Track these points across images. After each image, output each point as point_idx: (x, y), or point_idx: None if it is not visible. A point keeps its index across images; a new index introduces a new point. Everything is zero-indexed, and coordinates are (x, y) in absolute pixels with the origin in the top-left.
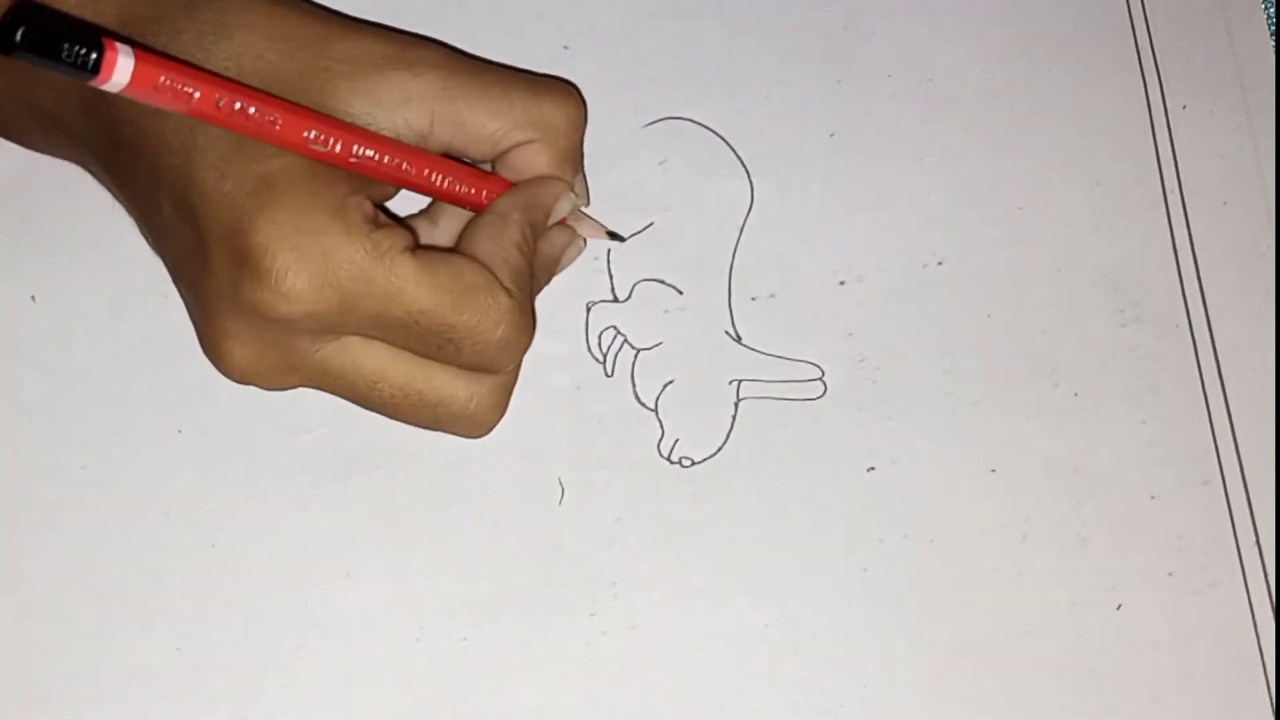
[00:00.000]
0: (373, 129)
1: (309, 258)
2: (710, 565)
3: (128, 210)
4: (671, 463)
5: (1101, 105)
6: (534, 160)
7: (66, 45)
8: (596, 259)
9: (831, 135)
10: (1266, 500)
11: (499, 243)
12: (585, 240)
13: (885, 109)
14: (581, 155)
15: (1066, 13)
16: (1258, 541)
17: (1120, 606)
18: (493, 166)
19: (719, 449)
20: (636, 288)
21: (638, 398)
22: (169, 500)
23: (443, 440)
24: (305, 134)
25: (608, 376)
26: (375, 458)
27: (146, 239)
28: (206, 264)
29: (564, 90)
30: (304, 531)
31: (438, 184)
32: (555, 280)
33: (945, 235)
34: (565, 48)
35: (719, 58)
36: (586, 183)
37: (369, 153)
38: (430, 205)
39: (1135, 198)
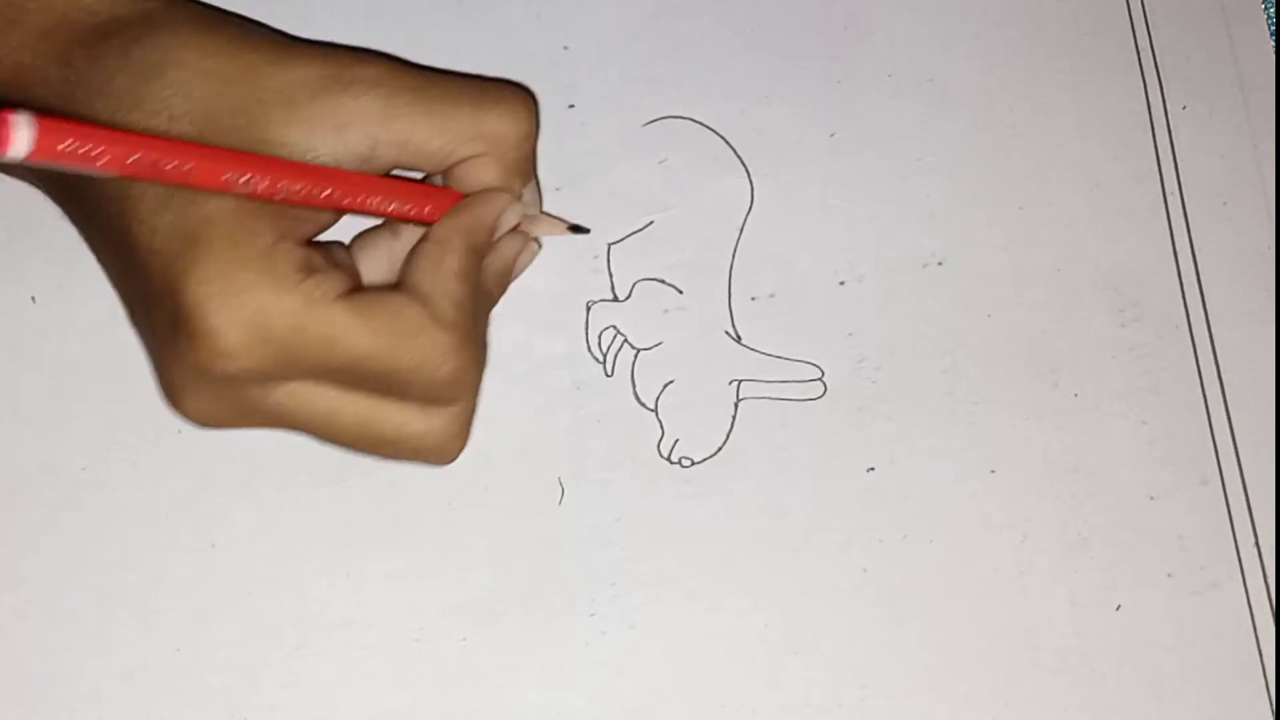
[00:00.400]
0: (311, 158)
1: (239, 315)
2: (710, 565)
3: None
4: (671, 463)
5: (1101, 105)
6: (481, 174)
7: None
8: (596, 258)
9: (831, 135)
10: (1266, 500)
11: (438, 274)
12: (539, 242)
13: (885, 109)
14: (534, 163)
15: (1066, 13)
16: (1257, 542)
17: (1120, 607)
18: (444, 178)
19: (719, 449)
20: (636, 287)
21: (638, 397)
22: (168, 500)
23: None
24: (224, 177)
25: (608, 376)
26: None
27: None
28: (150, 320)
29: (512, 99)
30: (304, 531)
31: (381, 209)
32: (555, 280)
33: (945, 235)
34: (565, 48)
35: (719, 58)
36: (540, 188)
37: (296, 188)
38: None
39: (1135, 198)
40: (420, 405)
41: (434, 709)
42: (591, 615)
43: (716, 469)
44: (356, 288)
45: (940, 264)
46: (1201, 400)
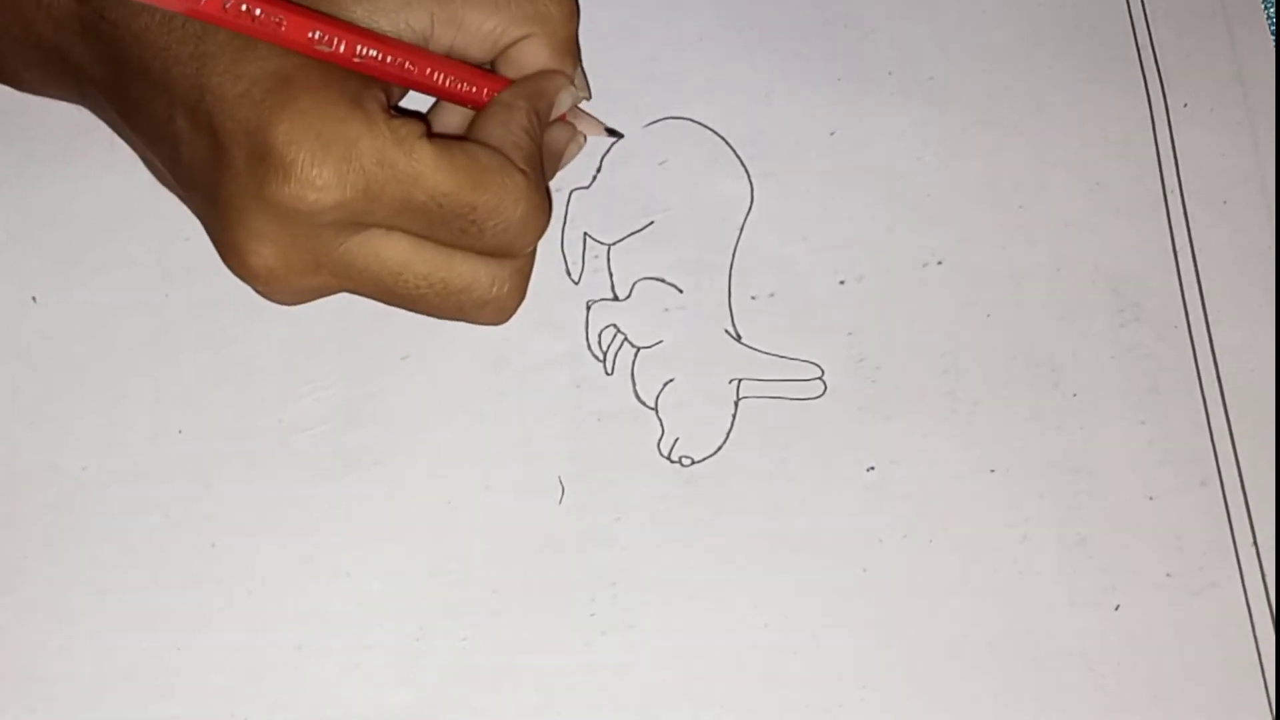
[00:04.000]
0: (375, 29)
1: (333, 147)
2: (710, 565)
3: (132, 138)
4: (671, 462)
5: (1101, 105)
6: (534, 54)
7: None
8: (597, 257)
9: (831, 135)
10: (1265, 501)
11: (508, 128)
12: (585, 137)
13: (885, 109)
14: (579, 47)
15: (1066, 13)
16: (1256, 542)
17: (1119, 607)
18: (493, 66)
19: (719, 448)
20: (636, 286)
21: (638, 396)
22: (169, 500)
23: (443, 440)
24: (310, 35)
25: (608, 375)
26: (374, 456)
27: (155, 166)
28: (227, 166)
29: None
30: (304, 531)
31: (441, 83)
32: (554, 279)
33: (945, 235)
34: None
35: (719, 58)
36: (586, 76)
37: (372, 53)
38: (433, 107)
39: (1135, 197)
40: (488, 256)
41: (434, 708)
42: (591, 615)
43: (716, 468)
44: (434, 134)
45: (940, 263)
46: (1201, 400)
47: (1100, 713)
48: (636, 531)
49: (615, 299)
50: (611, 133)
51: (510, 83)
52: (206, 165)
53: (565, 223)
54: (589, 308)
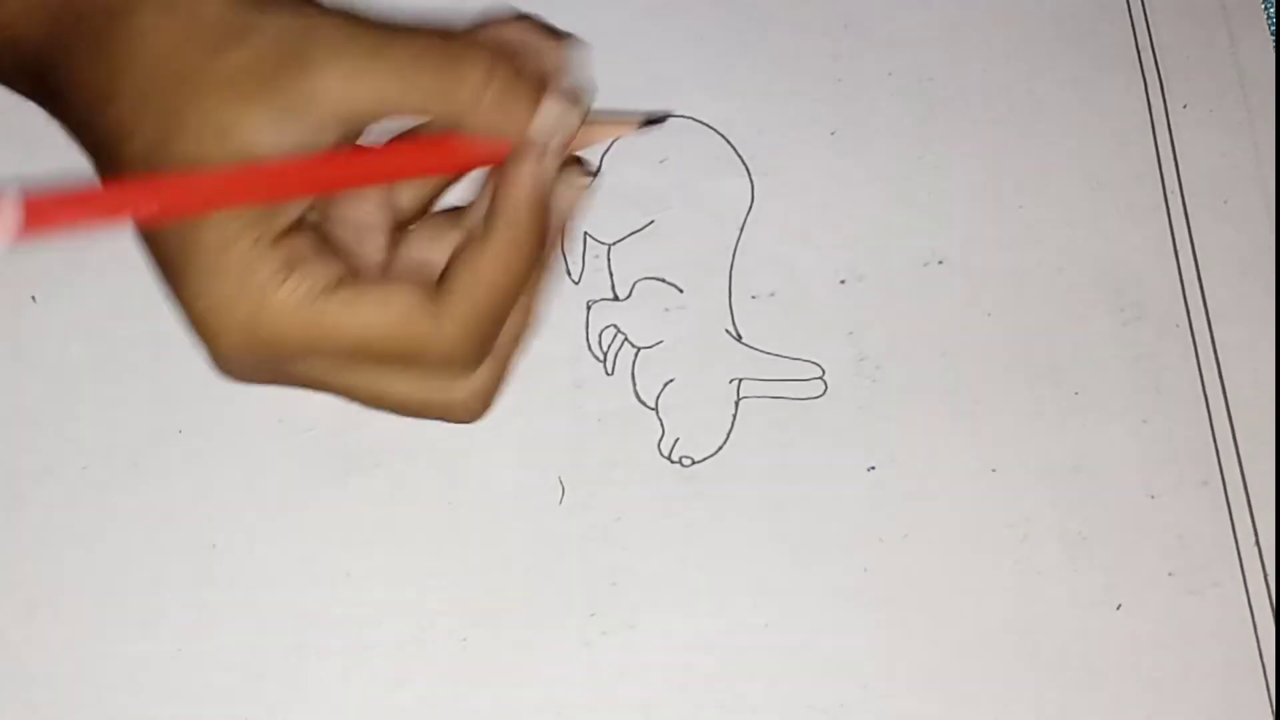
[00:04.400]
0: (282, 145)
1: (229, 324)
2: (710, 564)
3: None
4: (672, 462)
5: (1101, 105)
6: (480, 125)
7: None
8: (597, 257)
9: (831, 134)
10: (1266, 500)
11: (466, 269)
12: (589, 178)
13: (885, 109)
14: (528, 88)
15: (1066, 13)
16: (1257, 541)
17: (1120, 606)
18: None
19: (719, 448)
20: (637, 286)
21: (638, 396)
22: (169, 501)
23: (443, 440)
24: (208, 207)
25: (608, 375)
26: (375, 457)
27: None
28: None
29: (465, 46)
30: (304, 531)
31: (376, 182)
32: (554, 279)
33: (945, 234)
34: None
35: (719, 58)
36: (573, 89)
37: (279, 194)
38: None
39: (1136, 197)
40: (436, 377)
41: (434, 708)
42: (591, 615)
43: (717, 468)
44: (347, 272)
45: (941, 263)
46: (1202, 399)
47: (1101, 712)
48: (637, 531)
49: (615, 299)
50: (649, 123)
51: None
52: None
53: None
54: (589, 308)
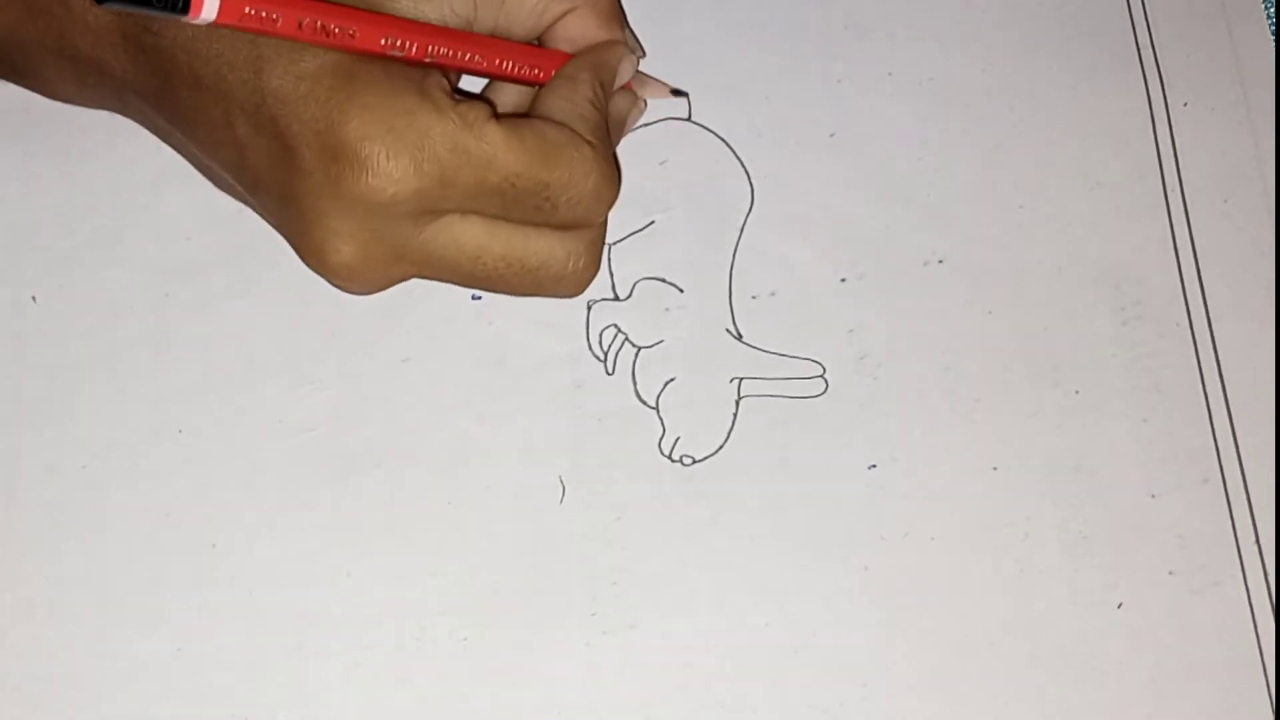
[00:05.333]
0: (422, 20)
1: (405, 138)
2: (711, 564)
3: (185, 145)
4: (672, 461)
5: (1101, 104)
6: (581, 27)
7: None
8: None
9: (831, 135)
10: (1267, 499)
11: (573, 102)
12: (646, 102)
13: (885, 109)
14: (623, 10)
15: (1066, 13)
16: (1258, 540)
17: (1121, 605)
18: (541, 42)
19: (720, 447)
20: (637, 286)
21: (639, 396)
22: (169, 500)
23: (443, 440)
24: (382, 41)
25: (609, 375)
26: (375, 458)
27: (213, 172)
28: (298, 168)
29: None
30: (304, 531)
31: (503, 68)
32: None
33: (945, 234)
34: None
35: (719, 58)
36: (637, 38)
37: (443, 50)
38: (488, 86)
39: (1136, 196)
40: (562, 230)
41: (435, 708)
42: (592, 615)
43: (717, 467)
44: (500, 115)
45: (941, 262)
46: (1202, 398)
47: (1102, 711)
48: (637, 531)
49: (616, 299)
50: (677, 93)
51: (568, 57)
52: (275, 168)
53: None
54: (589, 308)
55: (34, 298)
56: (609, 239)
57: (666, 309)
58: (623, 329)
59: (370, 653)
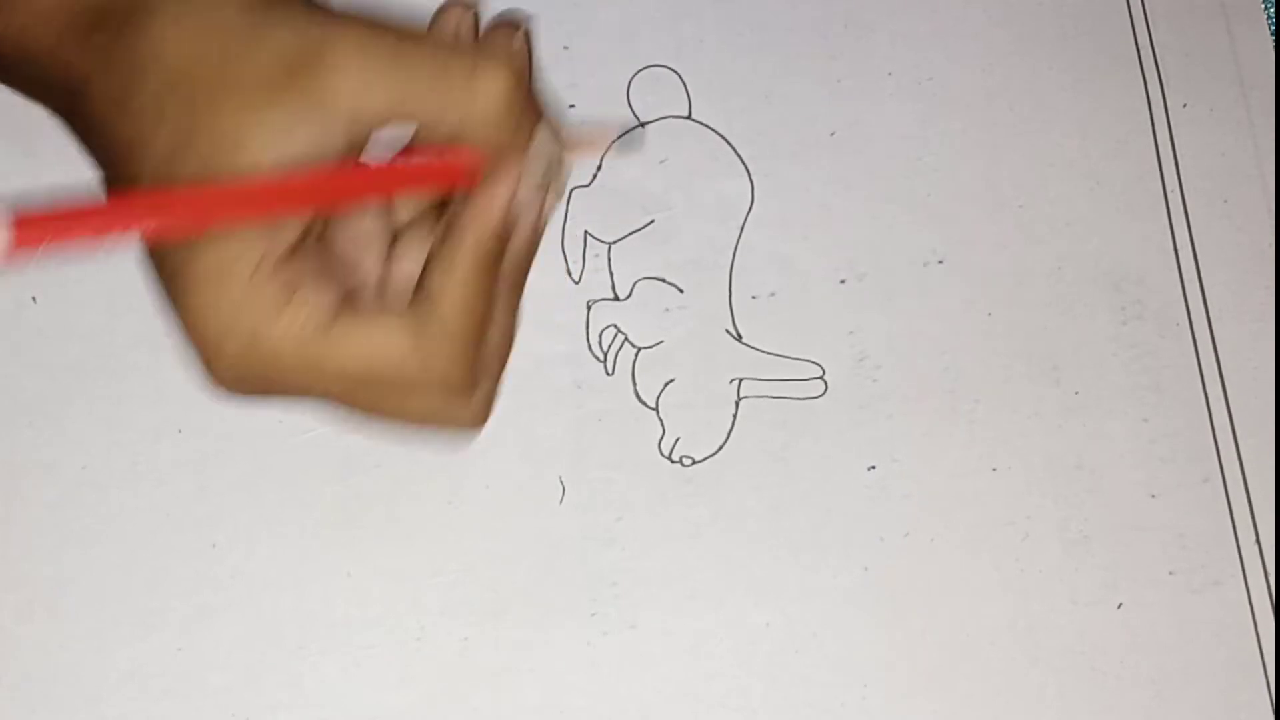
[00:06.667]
0: (290, 151)
1: (228, 348)
2: (711, 564)
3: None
4: (672, 462)
5: (1101, 104)
6: (479, 134)
7: None
8: (597, 256)
9: (831, 135)
10: (1267, 498)
11: (447, 277)
12: (557, 190)
13: (885, 109)
14: (536, 102)
15: (1066, 13)
16: (1258, 540)
17: (1121, 605)
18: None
19: (720, 448)
20: (637, 286)
21: (638, 396)
22: (169, 500)
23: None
24: (210, 225)
25: (608, 375)
26: (375, 457)
27: None
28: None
29: (487, 62)
30: (304, 531)
31: (376, 200)
32: (555, 279)
33: (945, 234)
34: (565, 48)
35: (719, 58)
36: (556, 125)
37: (285, 209)
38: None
39: (1135, 196)
40: (433, 399)
41: (435, 708)
42: (592, 615)
43: (717, 468)
44: (344, 296)
45: (941, 262)
46: (1203, 398)
47: (1102, 711)
48: (637, 531)
49: (616, 299)
50: (625, 136)
51: (452, 163)
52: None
53: (566, 221)
54: (589, 308)
55: (34, 298)
56: (609, 238)
57: (666, 309)
58: (622, 329)
59: (370, 652)
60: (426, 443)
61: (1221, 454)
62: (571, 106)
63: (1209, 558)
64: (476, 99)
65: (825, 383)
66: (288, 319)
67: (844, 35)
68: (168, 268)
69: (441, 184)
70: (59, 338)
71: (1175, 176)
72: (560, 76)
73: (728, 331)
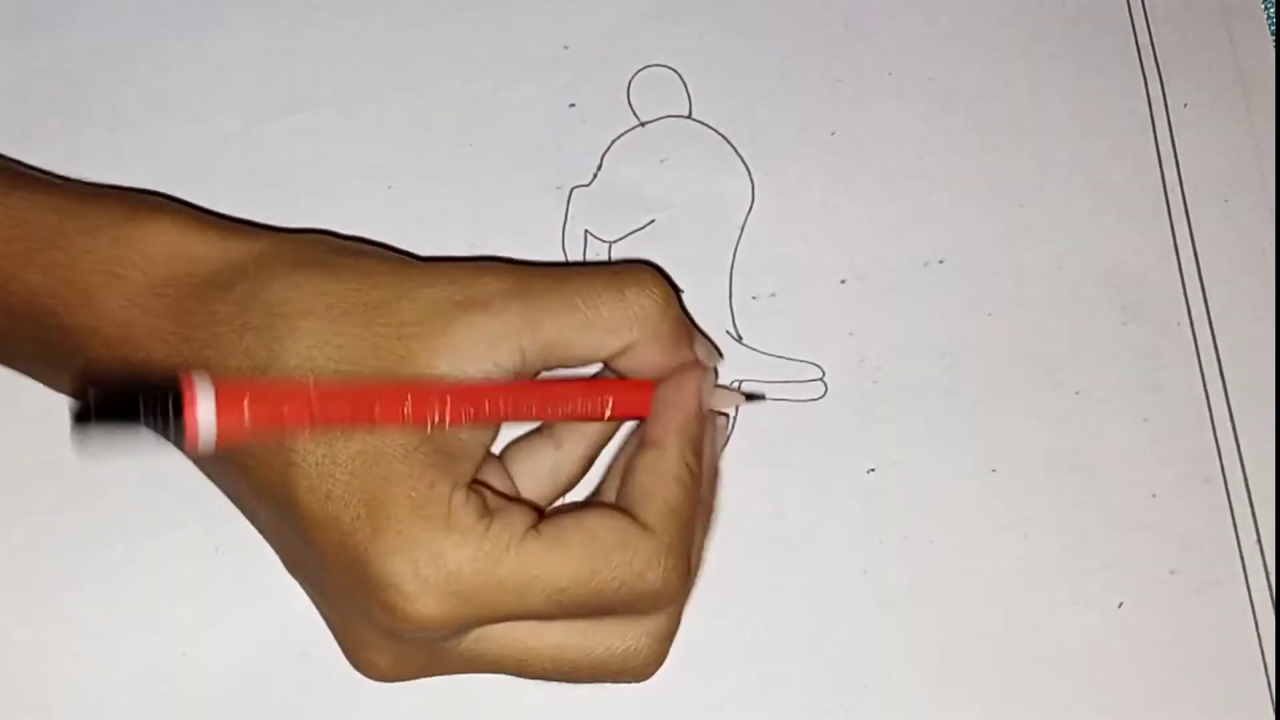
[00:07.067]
0: (463, 380)
1: (434, 581)
2: (709, 566)
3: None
4: None
5: (1101, 104)
6: (647, 358)
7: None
8: (598, 255)
9: (831, 134)
10: (1267, 498)
11: (655, 477)
12: (729, 414)
13: (885, 109)
14: (687, 321)
15: (1066, 12)
16: (1259, 539)
17: (1121, 605)
18: (604, 366)
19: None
20: None
21: None
22: (172, 503)
23: None
24: (403, 416)
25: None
26: None
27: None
28: (329, 583)
29: (641, 274)
30: None
31: (548, 413)
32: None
33: (946, 234)
34: (565, 48)
35: (719, 58)
36: (708, 341)
37: (470, 412)
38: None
39: (1136, 196)
40: (623, 624)
41: (437, 709)
42: None
43: None
44: (537, 517)
45: (941, 262)
46: (1203, 398)
47: (1103, 711)
48: None
49: None
50: (751, 398)
51: (641, 385)
52: (309, 570)
53: (566, 221)
54: None
55: None
56: (609, 237)
57: None
58: None
59: None
60: (609, 679)
61: (1222, 454)
62: (571, 106)
63: (1209, 557)
64: (645, 299)
65: (825, 384)
66: (495, 532)
67: (844, 35)
68: (357, 495)
69: (619, 410)
70: None
71: (1175, 176)
72: (560, 76)
73: (728, 332)
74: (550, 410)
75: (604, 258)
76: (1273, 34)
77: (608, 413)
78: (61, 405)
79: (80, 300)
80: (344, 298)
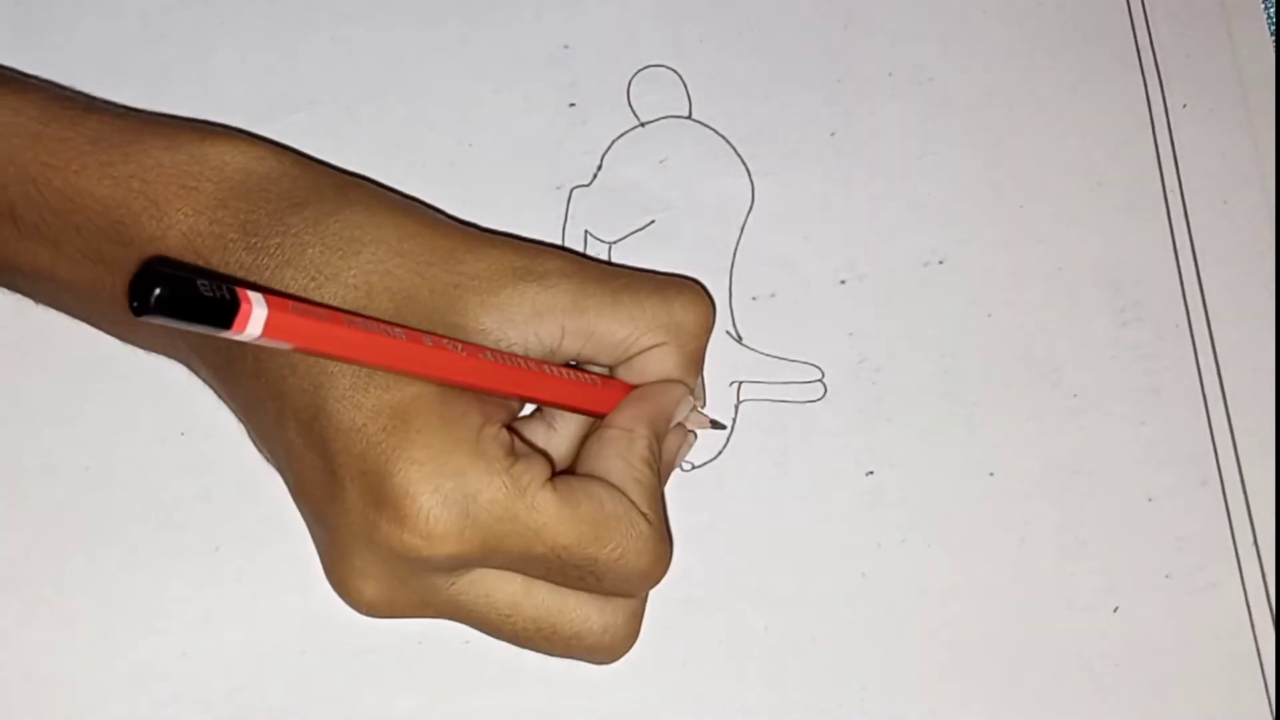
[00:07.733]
0: (504, 345)
1: (452, 500)
2: (709, 568)
3: (237, 416)
4: None
5: (1101, 105)
6: (661, 363)
7: (201, 306)
8: (597, 255)
9: (831, 135)
10: (1265, 502)
11: (629, 462)
12: (695, 435)
13: (885, 109)
14: (704, 354)
15: (1066, 13)
16: (1256, 543)
17: (1118, 608)
18: (614, 369)
19: (719, 452)
20: None
21: None
22: (171, 503)
23: None
24: (437, 370)
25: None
26: None
27: (257, 446)
28: (338, 499)
29: (692, 290)
30: (307, 533)
31: (563, 400)
32: None
33: (945, 234)
34: (565, 47)
35: (719, 58)
36: (704, 383)
37: (497, 382)
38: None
39: (1135, 197)
40: (602, 600)
41: (437, 710)
42: None
43: (716, 472)
44: (554, 474)
45: (941, 263)
46: (1201, 401)
47: (1099, 714)
48: None
49: None
50: (715, 425)
51: (628, 388)
52: (317, 487)
53: (566, 221)
54: None
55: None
56: (610, 237)
57: None
58: None
59: (375, 655)
60: (580, 653)
61: (1220, 457)
62: (571, 106)
63: (1207, 561)
64: (689, 312)
65: (824, 385)
66: (517, 471)
67: (844, 35)
68: (388, 407)
69: (608, 403)
70: (61, 338)
71: (1175, 176)
72: (560, 76)
73: (728, 333)
74: (560, 399)
75: (604, 258)
76: (1273, 34)
77: (603, 407)
78: (62, 405)
79: (150, 210)
80: (416, 234)
